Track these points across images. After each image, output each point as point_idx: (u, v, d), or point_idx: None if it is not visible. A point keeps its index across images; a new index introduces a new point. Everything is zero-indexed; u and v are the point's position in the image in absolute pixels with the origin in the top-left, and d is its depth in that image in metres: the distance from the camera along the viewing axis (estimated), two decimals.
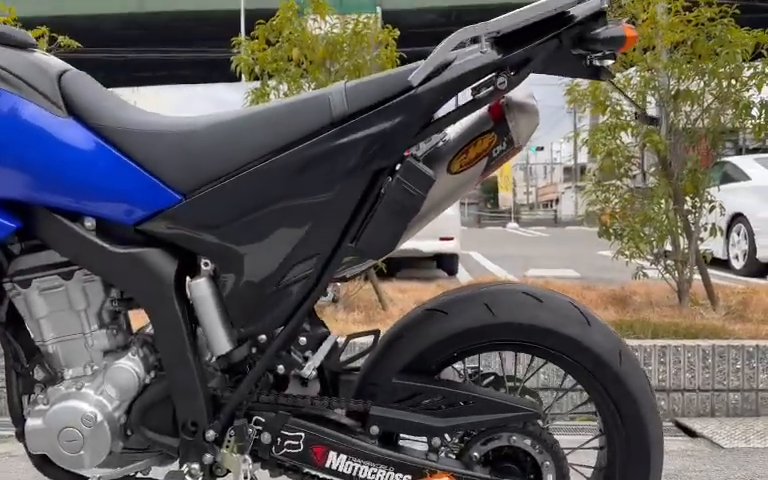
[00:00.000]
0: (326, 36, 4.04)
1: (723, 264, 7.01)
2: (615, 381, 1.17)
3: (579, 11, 1.02)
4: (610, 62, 1.08)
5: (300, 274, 1.12)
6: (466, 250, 8.12)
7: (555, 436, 1.20)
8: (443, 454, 1.18)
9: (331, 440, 1.15)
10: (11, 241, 1.15)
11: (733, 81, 3.71)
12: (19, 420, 1.20)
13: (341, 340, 1.23)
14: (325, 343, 1.16)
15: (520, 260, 8.60)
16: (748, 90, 3.72)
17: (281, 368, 1.16)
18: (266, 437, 1.16)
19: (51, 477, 1.23)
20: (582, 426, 2.46)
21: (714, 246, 4.49)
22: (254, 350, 1.17)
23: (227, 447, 1.17)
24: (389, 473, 1.15)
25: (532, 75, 1.08)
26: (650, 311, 3.80)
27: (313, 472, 1.21)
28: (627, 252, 4.05)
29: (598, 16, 1.01)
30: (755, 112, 3.66)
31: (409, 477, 1.15)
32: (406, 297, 4.40)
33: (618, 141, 4.15)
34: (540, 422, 1.19)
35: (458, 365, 1.26)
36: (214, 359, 1.23)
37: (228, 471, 1.19)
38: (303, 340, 1.16)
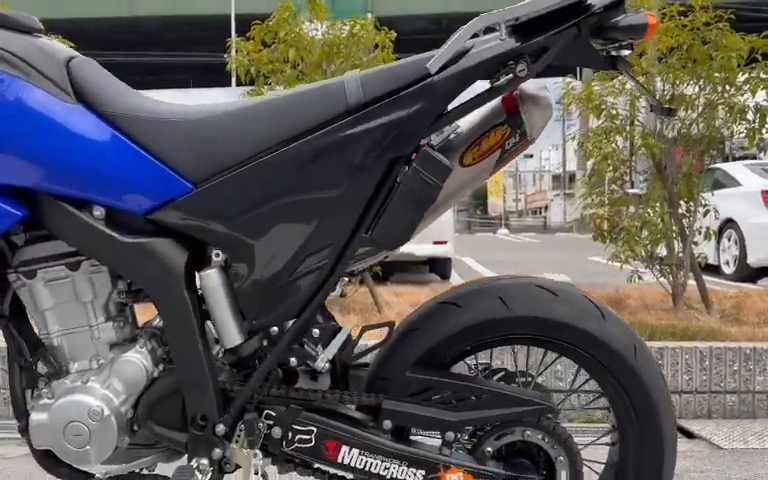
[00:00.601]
0: (323, 37, 4.03)
1: (714, 270, 7.06)
2: (630, 375, 1.16)
3: (598, 0, 1.01)
4: (627, 52, 1.07)
5: (313, 265, 1.10)
6: (458, 255, 8.11)
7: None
8: (456, 449, 1.17)
9: (343, 434, 1.13)
10: (16, 230, 1.12)
11: (728, 86, 3.75)
12: (22, 415, 1.17)
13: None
14: (339, 335, 1.14)
15: (512, 265, 8.61)
16: (743, 95, 3.75)
17: (293, 361, 1.14)
18: (277, 432, 1.14)
19: (55, 474, 1.20)
20: (587, 428, 2.45)
21: (705, 251, 4.51)
22: (265, 343, 1.15)
23: (237, 442, 1.14)
24: (402, 468, 1.13)
25: None
26: (646, 314, 3.81)
27: (324, 467, 1.19)
28: (622, 256, 4.07)
29: (617, 4, 1.01)
30: (750, 116, 3.69)
31: (422, 472, 1.13)
32: (401, 300, 4.39)
33: (614, 145, 4.18)
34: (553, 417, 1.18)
35: (469, 360, 1.25)
36: (221, 354, 1.21)
37: (237, 466, 1.16)
38: (316, 332, 1.14)
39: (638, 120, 4.25)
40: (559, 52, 1.04)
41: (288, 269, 1.10)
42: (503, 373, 1.27)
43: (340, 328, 1.15)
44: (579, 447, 1.20)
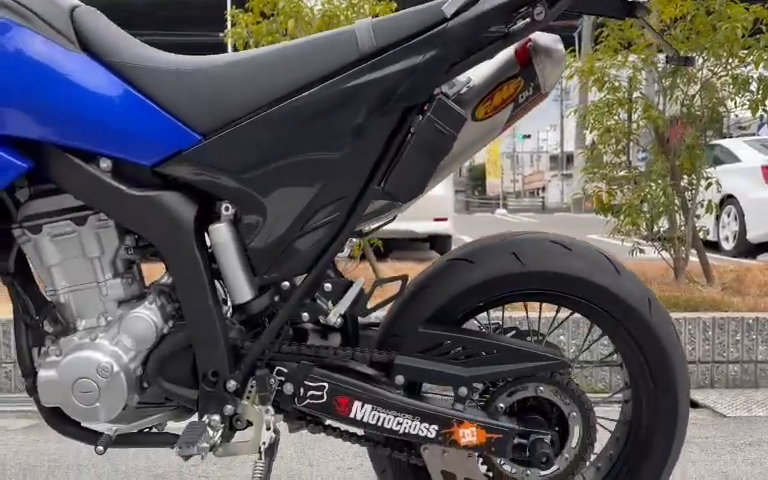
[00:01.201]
0: (322, 8, 3.97)
1: (713, 246, 7.06)
2: (645, 330, 1.15)
3: None
4: None
5: (325, 218, 1.08)
6: (458, 234, 8.10)
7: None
8: (468, 405, 1.16)
9: (355, 390, 1.12)
10: (20, 184, 1.10)
11: (731, 58, 3.71)
12: (29, 373, 1.16)
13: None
14: (351, 289, 1.12)
15: None
16: (746, 66, 3.72)
17: (306, 316, 1.13)
18: (288, 388, 1.13)
19: (63, 433, 1.19)
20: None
21: (707, 225, 4.52)
22: (276, 298, 1.14)
23: (248, 398, 1.13)
24: (414, 423, 1.12)
25: None
26: (647, 287, 3.80)
27: (335, 423, 1.18)
28: (623, 229, 4.05)
29: None
30: (753, 87, 3.66)
31: (435, 427, 1.12)
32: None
33: (616, 117, 4.15)
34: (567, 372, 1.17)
35: (480, 320, 1.24)
36: (230, 312, 1.19)
37: (249, 423, 1.15)
38: (328, 287, 1.13)
39: (641, 93, 4.23)
40: None
41: (299, 223, 1.08)
42: (514, 331, 1.26)
43: (352, 282, 1.14)
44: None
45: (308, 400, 1.13)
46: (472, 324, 1.23)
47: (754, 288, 3.71)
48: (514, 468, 1.20)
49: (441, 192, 6.02)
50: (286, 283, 1.12)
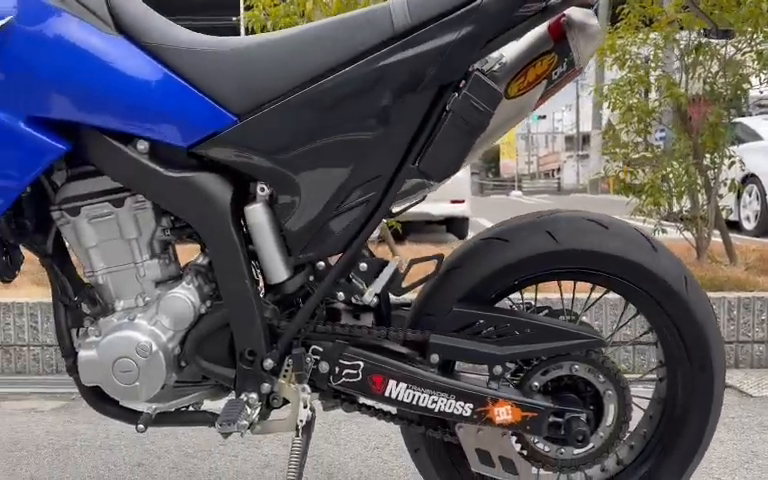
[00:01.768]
0: None
1: (734, 226, 6.97)
2: (681, 309, 1.14)
3: None
4: None
5: (360, 198, 1.08)
6: (474, 216, 8.06)
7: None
8: (503, 383, 1.16)
9: (390, 369, 1.13)
10: (58, 166, 1.11)
11: (755, 34, 3.64)
12: (69, 353, 1.18)
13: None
14: (387, 268, 1.12)
15: None
16: None
17: (341, 295, 1.13)
18: (324, 366, 1.14)
19: (102, 412, 1.21)
20: None
21: (729, 204, 4.45)
22: (311, 278, 1.14)
23: (284, 377, 1.14)
24: (450, 401, 1.12)
25: None
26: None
27: (369, 402, 1.19)
28: (645, 209, 4.01)
29: None
30: None
31: (470, 405, 1.12)
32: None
33: (638, 96, 4.10)
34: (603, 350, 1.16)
35: (514, 296, 1.23)
36: (262, 292, 1.20)
37: (285, 401, 1.17)
38: (363, 266, 1.13)
39: (662, 70, 4.16)
40: None
41: (334, 202, 1.09)
42: (546, 310, 1.26)
43: (387, 262, 1.14)
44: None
45: (343, 379, 1.14)
46: (504, 303, 1.23)
47: None
48: (548, 446, 1.20)
49: (458, 174, 5.97)
50: (321, 263, 1.13)
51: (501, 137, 1.29)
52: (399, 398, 1.13)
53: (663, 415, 1.25)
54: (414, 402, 1.13)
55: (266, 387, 1.14)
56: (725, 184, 4.00)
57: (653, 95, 4.18)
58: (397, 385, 1.12)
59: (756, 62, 3.71)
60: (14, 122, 1.00)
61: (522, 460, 1.20)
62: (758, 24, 3.58)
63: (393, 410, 1.21)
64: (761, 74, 3.73)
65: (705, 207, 3.94)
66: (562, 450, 1.20)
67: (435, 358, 1.14)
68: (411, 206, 1.25)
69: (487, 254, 1.15)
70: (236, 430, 1.08)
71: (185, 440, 2.01)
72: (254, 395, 1.13)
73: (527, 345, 1.13)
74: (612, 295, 1.23)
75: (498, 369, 1.13)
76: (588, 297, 1.26)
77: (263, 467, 1.82)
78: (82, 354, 1.13)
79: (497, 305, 1.20)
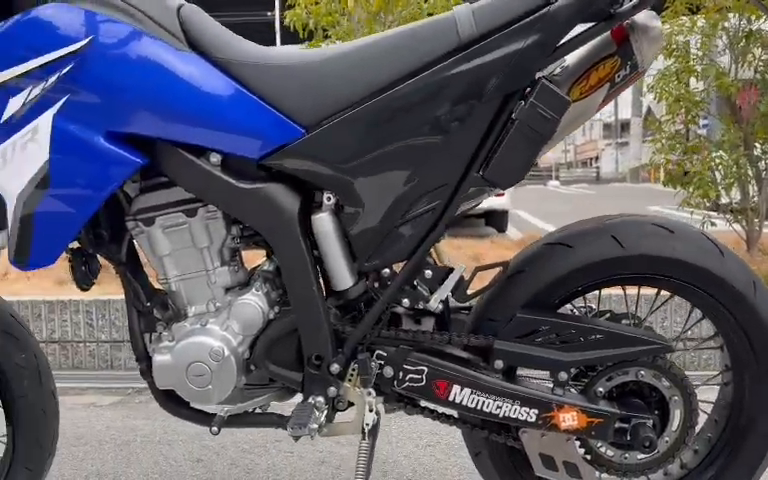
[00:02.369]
0: None
1: None
2: (750, 314, 1.12)
3: None
4: None
5: (425, 206, 1.10)
6: (513, 208, 8.00)
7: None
8: (567, 389, 1.16)
9: (455, 374, 1.14)
10: (133, 179, 1.15)
11: None
12: (143, 357, 1.22)
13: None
14: (452, 275, 1.13)
15: (569, 217, 8.39)
16: None
17: (406, 301, 1.15)
18: (388, 371, 1.15)
19: (175, 414, 1.25)
20: None
21: None
22: (375, 284, 1.16)
23: (350, 381, 1.17)
24: (514, 407, 1.13)
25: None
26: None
27: (432, 406, 1.21)
28: (693, 201, 3.93)
29: None
30: None
31: (535, 411, 1.13)
32: (461, 254, 4.37)
33: (686, 86, 4.01)
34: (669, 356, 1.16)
35: (576, 302, 1.23)
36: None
37: (350, 404, 1.19)
38: (428, 273, 1.14)
39: (709, 59, 4.06)
40: None
41: (400, 211, 1.10)
42: (608, 314, 1.25)
43: (452, 269, 1.15)
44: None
45: (407, 383, 1.16)
46: (565, 309, 1.23)
47: None
48: (612, 451, 1.20)
49: None
50: (386, 270, 1.15)
51: (560, 141, 1.29)
52: (463, 403, 1.14)
53: (729, 419, 1.23)
54: (478, 407, 1.14)
55: (332, 391, 1.16)
56: None
57: (697, 84, 4.08)
58: (461, 390, 1.14)
59: None
60: (95, 138, 1.04)
61: (586, 465, 1.20)
62: None
63: (455, 414, 1.23)
64: None
65: (756, 199, 3.84)
66: (626, 455, 1.20)
67: (499, 364, 1.14)
68: (468, 210, 1.26)
69: (551, 259, 1.15)
70: (306, 433, 1.11)
71: (241, 436, 2.06)
72: (321, 398, 1.16)
73: (593, 351, 1.13)
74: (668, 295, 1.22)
75: (563, 375, 1.14)
76: (653, 301, 1.25)
77: (319, 464, 1.86)
78: (157, 359, 1.17)
79: (560, 310, 1.20)
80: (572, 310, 1.27)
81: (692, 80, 4.02)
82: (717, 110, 4.18)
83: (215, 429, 1.20)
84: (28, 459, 1.36)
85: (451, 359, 1.17)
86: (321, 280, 1.20)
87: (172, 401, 1.23)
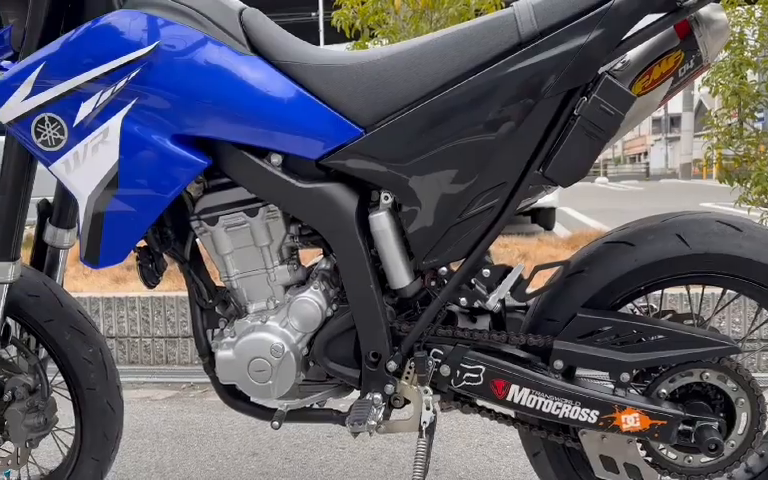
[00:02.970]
0: None
1: None
2: None
3: None
4: None
5: (484, 204, 1.09)
6: (560, 205, 7.87)
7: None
8: (629, 391, 1.14)
9: (513, 374, 1.13)
10: (197, 179, 1.18)
11: None
12: (205, 352, 1.25)
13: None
14: (511, 274, 1.13)
15: (618, 214, 8.28)
16: None
17: (463, 300, 1.15)
18: (445, 369, 1.16)
19: (235, 408, 1.28)
20: None
21: None
22: (433, 283, 1.16)
23: (407, 378, 1.17)
24: (575, 408, 1.12)
25: None
26: None
27: (490, 405, 1.21)
28: (750, 198, 3.79)
29: None
30: None
31: (596, 412, 1.11)
32: (507, 252, 4.33)
33: (741, 79, 3.87)
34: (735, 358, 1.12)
35: (638, 302, 1.21)
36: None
37: (407, 401, 1.20)
38: (486, 272, 1.14)
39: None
40: None
41: (458, 209, 1.10)
42: (671, 314, 1.23)
43: (511, 268, 1.14)
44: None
45: (464, 382, 1.16)
46: (626, 308, 1.21)
47: None
48: (675, 453, 1.18)
49: None
50: (443, 268, 1.15)
51: (621, 137, 1.26)
52: (522, 403, 1.13)
53: None
54: (537, 407, 1.13)
55: (389, 388, 1.17)
56: None
57: (754, 76, 3.93)
58: (520, 390, 1.13)
59: None
60: (162, 140, 1.07)
61: (648, 467, 1.18)
62: None
63: (512, 414, 1.22)
64: None
65: None
66: (690, 458, 1.17)
67: (559, 364, 1.13)
68: (525, 207, 1.25)
69: (612, 258, 1.13)
70: (365, 429, 1.12)
71: (293, 431, 2.09)
72: (378, 396, 1.17)
73: (656, 352, 1.11)
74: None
75: (625, 376, 1.12)
76: (719, 301, 1.22)
77: (371, 460, 1.87)
78: (220, 354, 1.20)
79: (620, 310, 1.18)
80: (632, 310, 1.25)
81: (748, 73, 3.87)
82: None
83: (276, 423, 1.22)
84: (95, 450, 1.41)
85: (509, 358, 1.16)
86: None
87: (233, 395, 1.26)
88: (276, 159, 1.12)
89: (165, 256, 1.25)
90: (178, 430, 2.20)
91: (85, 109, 1.06)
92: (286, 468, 1.85)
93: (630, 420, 1.11)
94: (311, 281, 1.20)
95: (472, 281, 1.15)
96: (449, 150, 1.08)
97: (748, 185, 3.78)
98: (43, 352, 1.41)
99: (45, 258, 1.44)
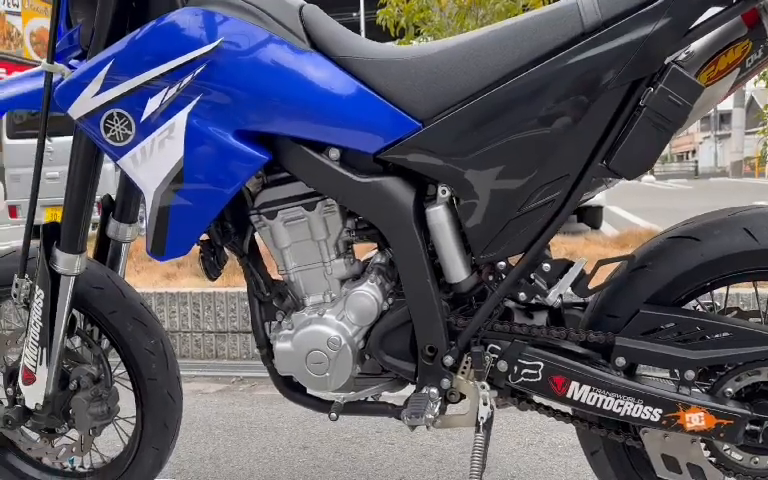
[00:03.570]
0: None
1: None
2: None
3: None
4: None
5: (545, 198, 1.08)
6: (607, 204, 7.71)
7: None
8: (693, 389, 1.11)
9: (573, 370, 1.11)
10: (257, 174, 1.20)
11: None
12: (263, 343, 1.27)
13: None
14: (572, 269, 1.11)
15: (667, 213, 8.07)
16: None
17: (522, 295, 1.14)
18: (502, 365, 1.15)
19: (292, 399, 1.30)
20: None
21: None
22: (490, 277, 1.16)
23: (463, 373, 1.17)
24: (637, 406, 1.09)
25: None
26: None
27: (547, 402, 1.19)
28: None
29: None
30: None
31: (660, 411, 1.09)
32: (554, 250, 4.25)
33: None
34: None
35: (703, 299, 1.18)
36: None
37: (462, 396, 1.19)
38: (546, 267, 1.13)
39: None
40: None
41: (518, 203, 1.09)
42: (735, 312, 1.19)
43: (572, 263, 1.13)
44: None
45: (522, 378, 1.14)
46: (689, 305, 1.18)
47: None
48: (741, 454, 1.14)
49: None
50: (502, 263, 1.14)
51: (684, 129, 1.23)
52: (582, 400, 1.12)
53: None
54: (598, 405, 1.11)
55: (445, 383, 1.17)
56: None
57: None
58: (580, 387, 1.11)
59: None
60: (225, 136, 1.09)
61: (712, 467, 1.15)
62: None
63: (570, 411, 1.20)
64: None
65: None
66: (756, 459, 1.13)
67: (621, 361, 1.11)
68: (584, 202, 1.23)
69: (677, 254, 1.10)
70: (422, 423, 1.12)
71: (342, 425, 2.11)
72: (435, 390, 1.17)
73: (723, 350, 1.08)
74: None
75: (690, 374, 1.09)
76: None
77: (420, 456, 1.87)
78: (278, 346, 1.22)
79: (685, 307, 1.15)
80: (695, 307, 1.21)
81: None
82: None
83: (333, 415, 1.23)
84: (155, 439, 1.45)
85: (568, 355, 1.14)
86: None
87: (290, 387, 1.28)
88: (334, 153, 1.13)
89: (225, 249, 1.28)
90: (230, 423, 2.24)
91: (152, 105, 1.09)
92: (337, 462, 1.87)
93: (695, 419, 1.08)
94: (367, 275, 1.21)
95: (531, 276, 1.14)
96: (509, 143, 1.07)
97: None
98: (106, 343, 1.46)
99: (108, 252, 1.49)
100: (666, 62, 1.00)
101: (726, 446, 1.14)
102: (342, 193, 1.14)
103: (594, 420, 1.19)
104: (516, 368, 1.14)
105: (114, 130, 1.11)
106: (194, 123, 1.09)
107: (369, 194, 1.13)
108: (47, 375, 1.34)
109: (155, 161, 1.11)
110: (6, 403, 1.44)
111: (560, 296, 1.12)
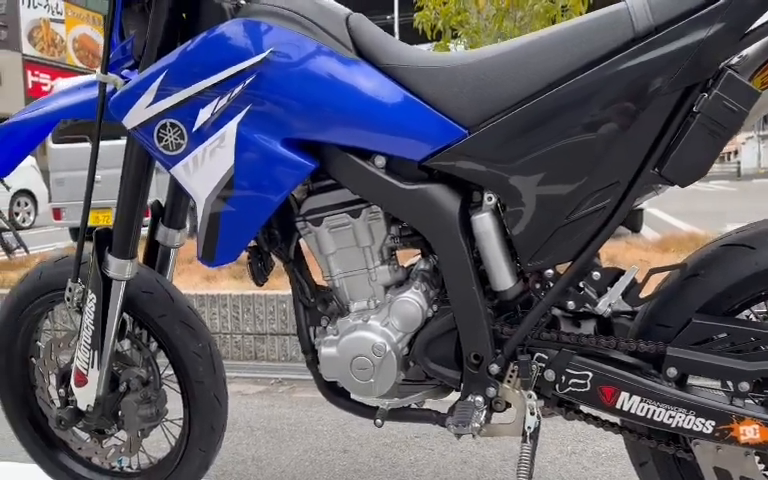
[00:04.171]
0: None
1: None
2: None
3: None
4: None
5: (595, 205, 1.07)
6: (648, 207, 7.56)
7: None
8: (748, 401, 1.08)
9: (623, 380, 1.10)
10: (303, 182, 1.21)
11: None
12: (308, 348, 1.29)
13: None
14: (624, 277, 1.09)
15: (709, 216, 7.86)
16: None
17: (571, 304, 1.12)
18: (550, 374, 1.13)
19: (336, 404, 1.31)
20: None
21: None
22: (537, 286, 1.15)
23: (509, 382, 1.16)
24: (689, 417, 1.07)
25: None
26: None
27: (595, 412, 1.17)
28: None
29: None
30: None
31: (712, 423, 1.06)
32: None
33: None
34: None
35: (757, 308, 1.14)
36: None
37: (508, 405, 1.19)
38: (596, 275, 1.11)
39: None
40: None
41: (566, 210, 1.08)
42: None
43: (623, 271, 1.11)
44: None
45: (570, 388, 1.13)
46: (742, 315, 1.15)
47: None
48: None
49: None
50: (549, 271, 1.13)
51: (736, 135, 1.20)
52: (632, 411, 1.10)
53: None
54: (648, 416, 1.09)
55: (491, 391, 1.16)
56: None
57: None
58: (630, 398, 1.09)
59: None
60: (273, 144, 1.11)
61: None
62: None
63: (619, 421, 1.18)
64: None
65: None
66: None
67: (672, 372, 1.09)
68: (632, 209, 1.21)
69: (730, 262, 1.07)
70: (469, 431, 1.12)
71: (382, 429, 2.11)
72: (480, 398, 1.16)
73: None
74: None
75: (745, 385, 1.06)
76: None
77: (461, 463, 1.86)
78: (324, 351, 1.23)
79: (738, 317, 1.12)
80: (749, 316, 1.18)
81: None
82: None
83: (379, 421, 1.24)
84: (202, 441, 1.48)
85: (618, 365, 1.12)
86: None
87: (334, 392, 1.29)
88: (380, 161, 1.14)
89: (272, 255, 1.30)
90: (270, 424, 2.27)
91: (203, 115, 1.11)
92: (377, 466, 1.87)
93: (749, 431, 1.05)
94: (411, 281, 1.21)
95: (580, 284, 1.12)
96: (557, 150, 1.06)
97: None
98: (154, 346, 1.49)
99: (157, 256, 1.52)
100: (720, 67, 0.98)
101: None
102: (387, 200, 1.15)
103: (643, 431, 1.17)
104: (564, 377, 1.13)
105: (167, 139, 1.14)
106: (244, 132, 1.11)
107: (414, 201, 1.13)
108: (98, 377, 1.38)
109: (206, 170, 1.13)
110: (59, 404, 1.49)
111: (609, 305, 1.10)
